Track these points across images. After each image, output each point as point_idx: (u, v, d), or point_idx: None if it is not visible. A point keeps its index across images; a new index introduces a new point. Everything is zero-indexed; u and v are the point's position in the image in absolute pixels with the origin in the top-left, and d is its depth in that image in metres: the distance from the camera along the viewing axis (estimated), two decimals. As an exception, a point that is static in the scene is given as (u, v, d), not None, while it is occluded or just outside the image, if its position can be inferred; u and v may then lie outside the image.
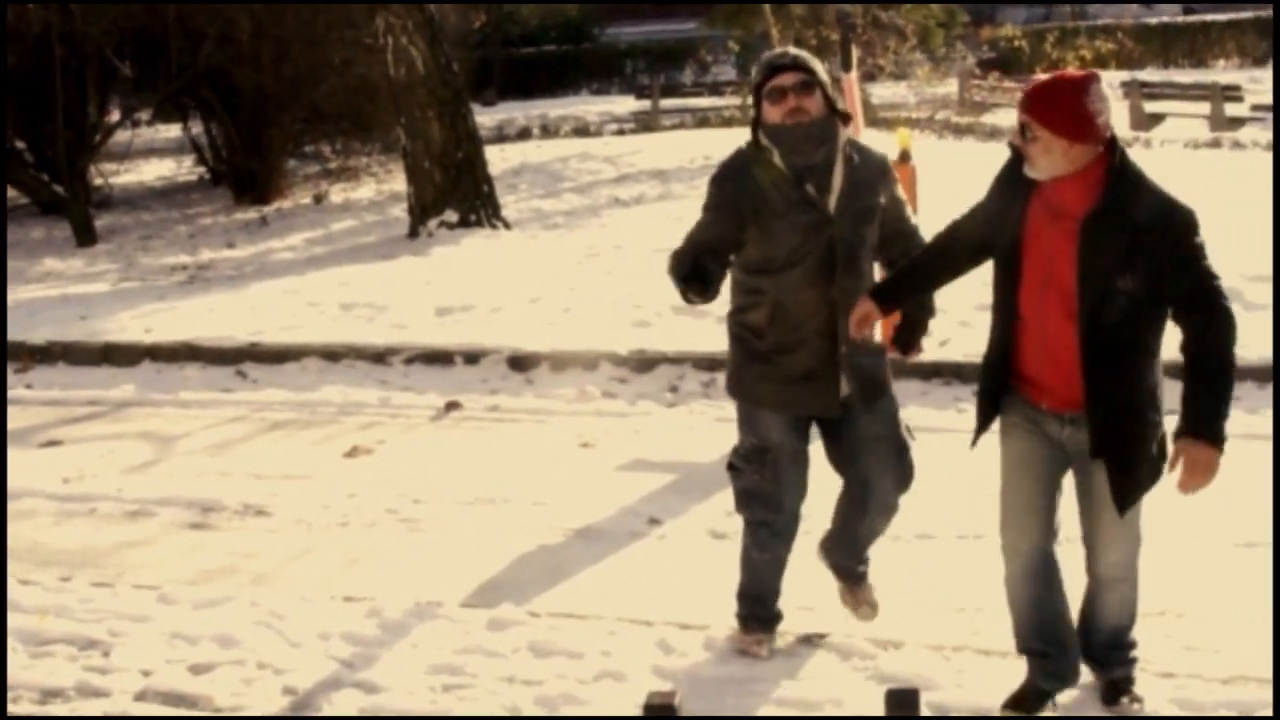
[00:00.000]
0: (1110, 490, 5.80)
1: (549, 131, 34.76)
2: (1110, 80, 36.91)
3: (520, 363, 12.83)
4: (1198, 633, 6.91)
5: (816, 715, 6.35)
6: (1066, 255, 5.57)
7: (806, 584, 7.36)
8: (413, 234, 20.10)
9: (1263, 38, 47.97)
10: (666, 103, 37.26)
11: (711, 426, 10.78)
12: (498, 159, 25.89)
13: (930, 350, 10.10)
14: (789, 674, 6.70)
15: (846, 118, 6.52)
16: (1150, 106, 30.66)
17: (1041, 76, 5.74)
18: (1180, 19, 52.83)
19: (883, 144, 12.34)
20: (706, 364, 12.09)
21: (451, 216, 20.04)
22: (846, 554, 7.07)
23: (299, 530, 9.16)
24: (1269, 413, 10.21)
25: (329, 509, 9.48)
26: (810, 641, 7.02)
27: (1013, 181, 5.76)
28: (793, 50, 6.60)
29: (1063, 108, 5.48)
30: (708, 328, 12.92)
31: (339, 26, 25.20)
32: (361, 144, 28.71)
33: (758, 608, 7.01)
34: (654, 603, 7.65)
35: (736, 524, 8.77)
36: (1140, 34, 48.16)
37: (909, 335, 6.77)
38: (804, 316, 6.49)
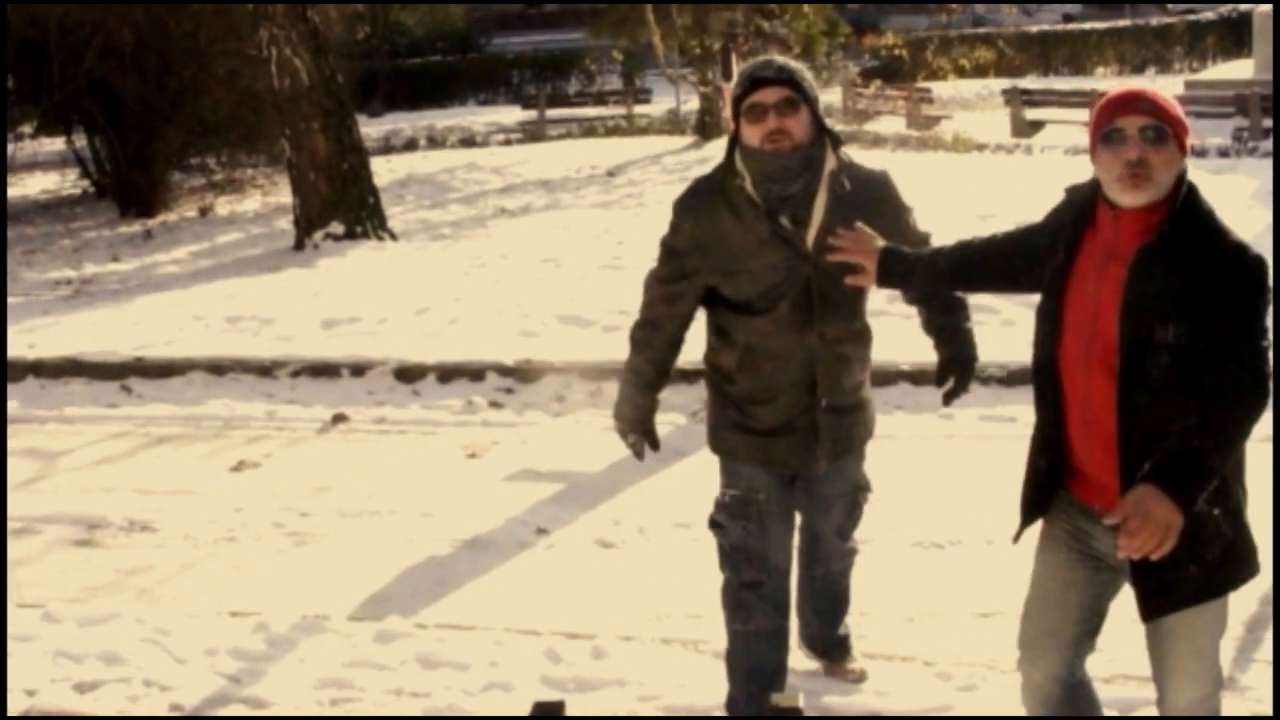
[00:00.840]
0: (1139, 602, 4.72)
1: (436, 142, 34.74)
2: (991, 88, 37.40)
3: (407, 374, 12.81)
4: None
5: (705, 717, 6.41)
6: (1112, 306, 4.52)
7: (694, 589, 7.41)
8: (299, 246, 20.00)
9: (1140, 46, 48.60)
10: (553, 113, 37.26)
11: (598, 436, 10.81)
12: (384, 170, 25.84)
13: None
14: (678, 681, 6.75)
15: (837, 140, 5.73)
16: (1030, 114, 30.97)
17: (1121, 88, 4.67)
18: (1060, 27, 53.38)
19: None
20: (593, 373, 12.12)
21: (337, 228, 19.97)
22: (822, 618, 6.64)
23: (185, 546, 9.12)
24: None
25: (215, 524, 9.43)
26: (696, 647, 7.07)
27: (1067, 220, 4.75)
28: (778, 59, 5.72)
29: (1176, 112, 4.52)
30: (594, 337, 12.96)
31: (223, 38, 25.06)
32: (247, 156, 28.52)
33: (762, 693, 6.05)
34: (542, 612, 7.67)
35: (624, 533, 8.87)
36: (1020, 42, 48.63)
37: (958, 380, 6.16)
38: (778, 365, 5.78)
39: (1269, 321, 4.40)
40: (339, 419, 11.90)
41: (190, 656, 7.23)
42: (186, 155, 27.94)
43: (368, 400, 12.42)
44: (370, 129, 33.81)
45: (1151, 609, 4.70)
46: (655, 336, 6.02)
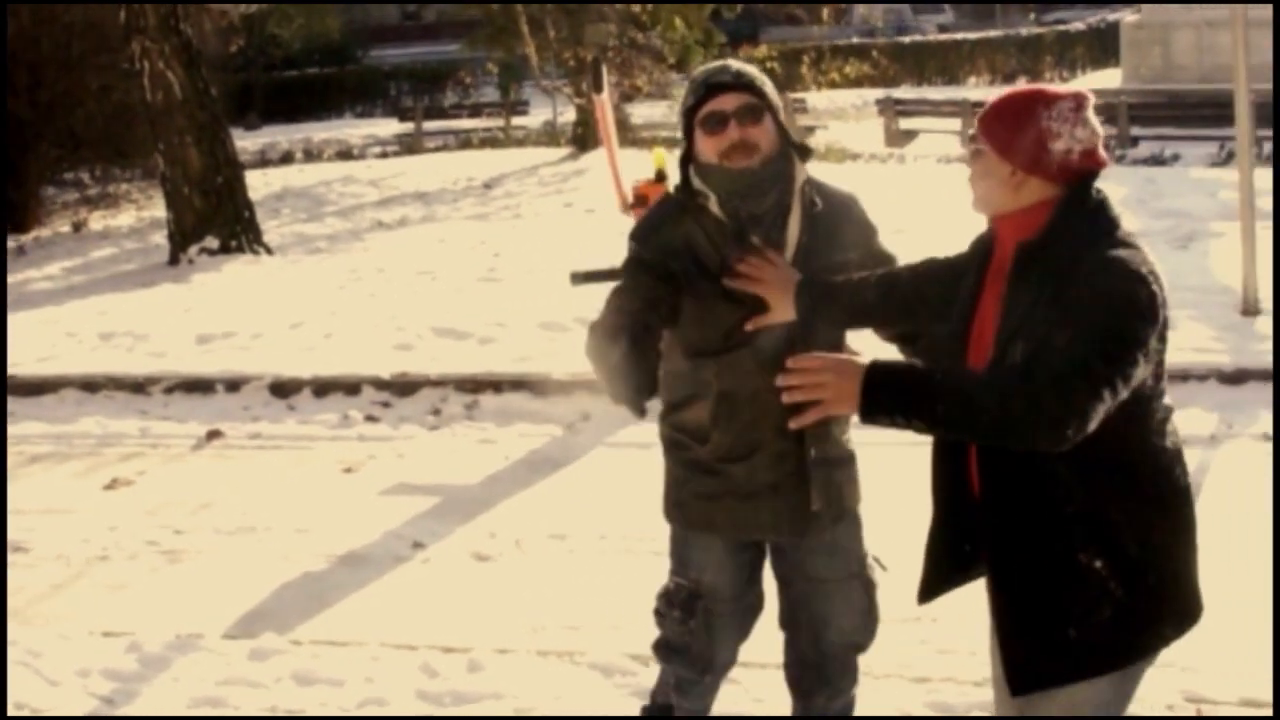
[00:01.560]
0: (1005, 672, 4.17)
1: (312, 155, 34.55)
2: (865, 98, 37.66)
3: (282, 389, 12.76)
4: (951, 637, 7.06)
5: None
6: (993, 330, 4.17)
7: (570, 601, 7.44)
8: (173, 261, 19.88)
9: (1011, 56, 49.14)
10: (429, 125, 37.17)
11: (474, 449, 10.84)
12: (260, 183, 25.70)
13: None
14: (554, 694, 6.77)
15: (806, 152, 5.06)
16: (904, 123, 31.23)
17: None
18: (933, 38, 53.86)
19: (640, 164, 12.47)
20: (469, 386, 12.14)
21: (212, 243, 19.87)
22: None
23: (58, 565, 9.04)
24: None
25: (89, 542, 9.36)
26: (573, 659, 7.10)
27: (981, 242, 4.42)
28: (735, 64, 5.03)
29: (1011, 123, 4.15)
30: (469, 349, 12.97)
31: (95, 52, 24.87)
32: (121, 170, 28.31)
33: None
34: (417, 627, 7.67)
35: (500, 546, 8.89)
36: (894, 53, 49.01)
37: None
38: (758, 413, 4.96)
39: (1125, 359, 3.85)
40: (214, 435, 11.83)
41: (62, 678, 7.16)
42: (59, 170, 27.73)
43: (243, 416, 12.35)
44: (246, 142, 33.61)
45: (1018, 681, 4.15)
46: (627, 306, 4.82)
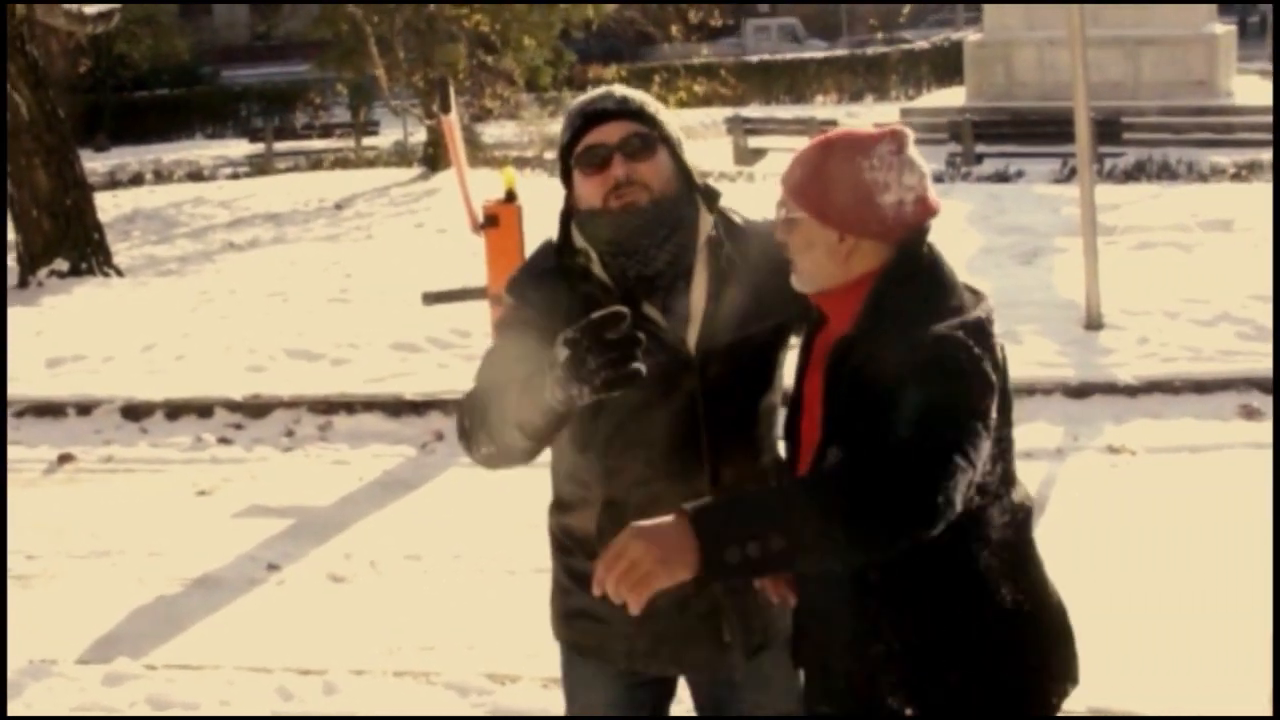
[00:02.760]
0: None
1: (162, 176, 34.20)
2: (713, 117, 37.84)
3: (134, 412, 12.68)
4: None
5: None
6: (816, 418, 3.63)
7: (425, 622, 7.48)
8: (22, 284, 19.66)
9: (857, 75, 49.63)
10: (280, 145, 36.94)
11: (328, 470, 10.84)
12: (110, 205, 25.49)
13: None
14: (410, 713, 6.80)
15: (713, 196, 4.04)
16: (753, 142, 31.44)
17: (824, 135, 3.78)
18: (779, 57, 54.21)
19: (491, 184, 12.52)
20: (322, 407, 12.14)
21: (62, 265, 19.67)
22: None
23: (-93, 593, 8.97)
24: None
25: (-62, 569, 9.29)
26: (429, 679, 7.13)
27: (809, 317, 3.82)
28: (619, 89, 4.07)
29: (827, 180, 3.55)
30: (322, 370, 12.96)
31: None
32: (-34, 193, 27.93)
33: None
34: (273, 649, 7.68)
35: (355, 567, 8.91)
36: (741, 72, 49.21)
37: None
38: None
39: (958, 418, 3.34)
40: (65, 459, 11.74)
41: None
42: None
43: (94, 439, 12.26)
44: (95, 163, 33.30)
45: None
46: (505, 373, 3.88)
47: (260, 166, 34.55)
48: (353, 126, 38.77)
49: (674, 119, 4.09)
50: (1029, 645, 3.67)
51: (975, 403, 3.35)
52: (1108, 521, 8.78)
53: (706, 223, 4.01)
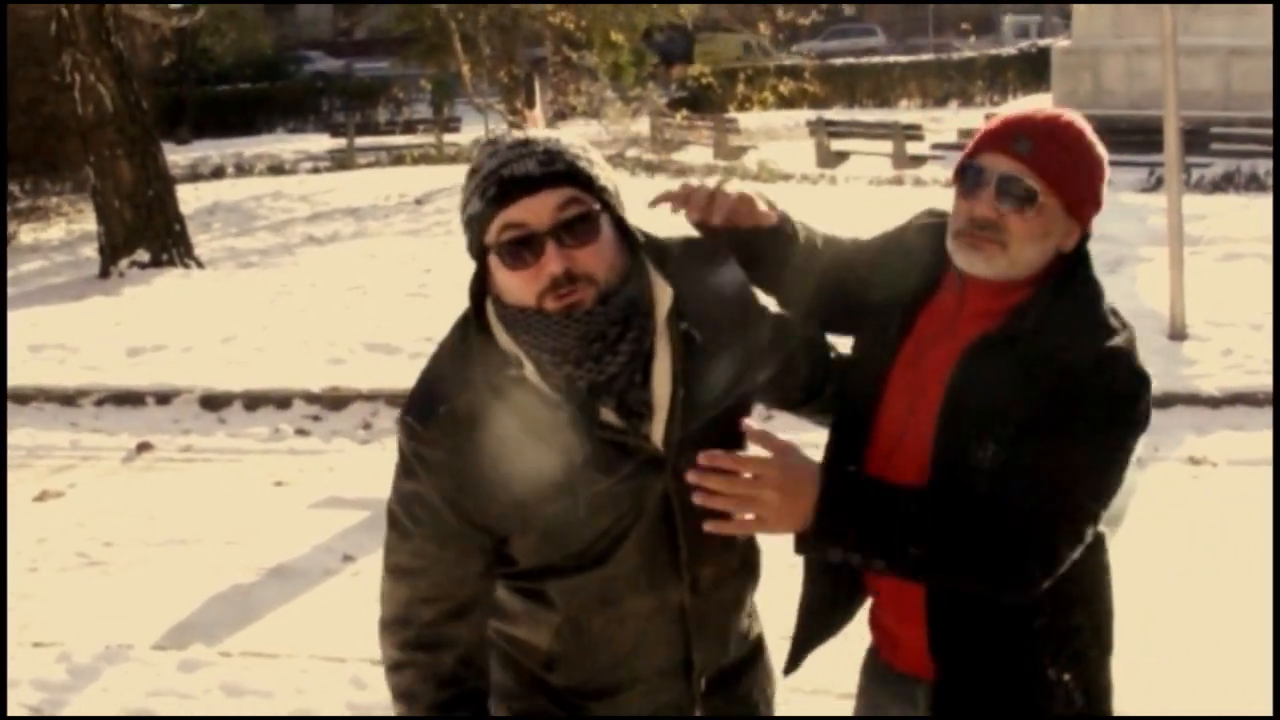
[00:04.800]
0: None
1: (243, 170, 34.37)
2: (797, 119, 37.78)
3: (212, 402, 12.74)
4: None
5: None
6: (930, 403, 3.27)
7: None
8: (104, 274, 19.82)
9: (942, 80, 49.41)
10: (362, 141, 37.04)
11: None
12: (191, 197, 25.62)
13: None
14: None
15: (663, 252, 3.22)
16: (836, 145, 31.36)
17: (1027, 109, 3.41)
18: (865, 60, 54.08)
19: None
20: (400, 400, 12.12)
21: (143, 256, 19.82)
22: None
23: (-14, 576, 9.02)
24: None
25: (18, 555, 9.31)
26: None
27: (913, 274, 3.41)
28: (541, 135, 3.07)
29: (1091, 165, 3.26)
30: (400, 364, 12.96)
31: (25, 64, 24.72)
32: (51, 183, 28.18)
33: None
34: (347, 639, 7.65)
35: (430, 560, 8.86)
36: (825, 75, 49.17)
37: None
38: (629, 644, 3.30)
39: (1116, 485, 3.15)
40: (144, 448, 11.80)
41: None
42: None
43: (173, 429, 12.33)
44: (177, 156, 33.46)
45: None
46: (439, 666, 3.27)
47: (341, 161, 34.68)
48: (435, 123, 38.85)
49: (607, 165, 3.16)
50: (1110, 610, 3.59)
51: (1134, 447, 3.18)
52: (1188, 533, 8.68)
53: (665, 294, 3.13)
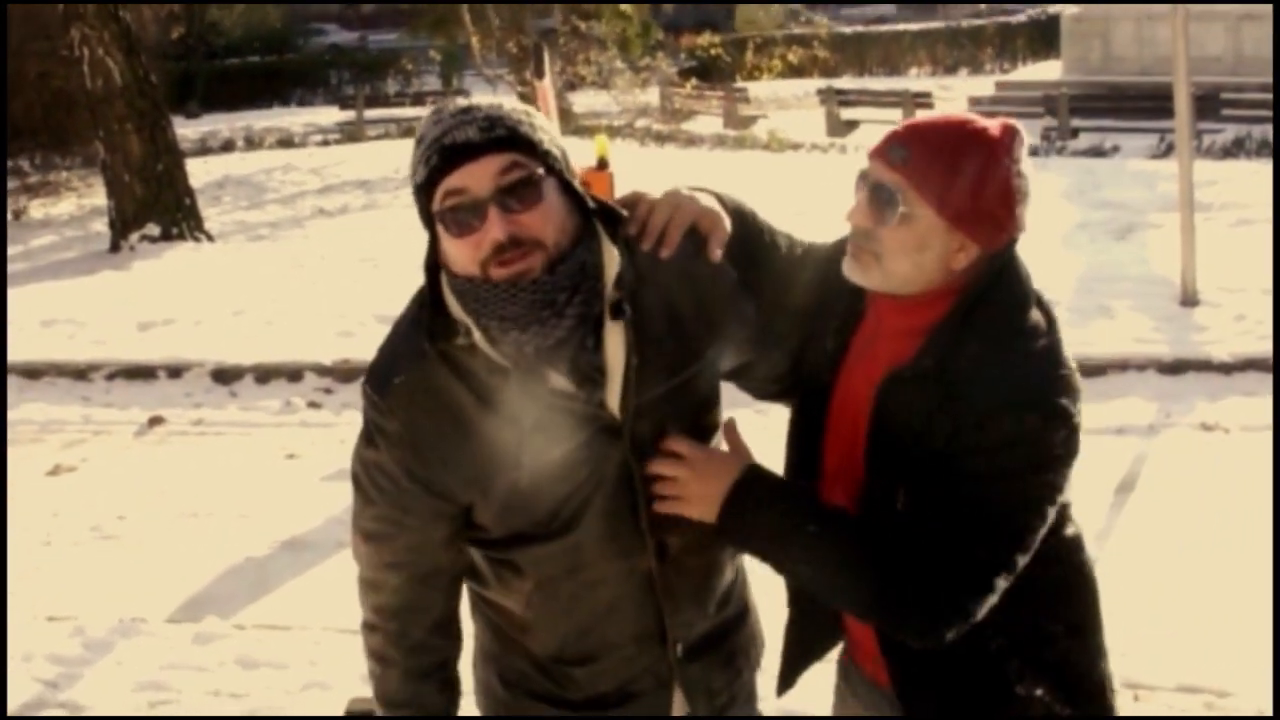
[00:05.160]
0: None
1: (253, 143, 34.32)
2: (807, 88, 37.71)
3: (224, 375, 12.76)
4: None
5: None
6: (860, 438, 3.18)
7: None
8: (114, 248, 19.82)
9: (952, 47, 49.27)
10: (371, 113, 36.95)
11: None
12: (201, 171, 25.60)
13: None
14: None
15: (615, 218, 3.15)
16: (845, 113, 31.30)
17: (930, 114, 3.35)
18: (874, 28, 53.94)
19: (582, 151, 12.48)
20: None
21: (153, 230, 19.82)
22: None
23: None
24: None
25: (32, 528, 9.35)
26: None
27: (843, 296, 3.29)
28: (483, 103, 3.03)
29: (976, 178, 3.00)
30: (413, 337, 12.97)
31: (34, 38, 24.70)
32: (61, 158, 28.16)
33: None
34: (360, 611, 7.67)
35: (442, 531, 8.88)
36: (835, 43, 49.04)
37: None
38: (596, 612, 3.30)
39: (1036, 530, 3.02)
40: (156, 421, 11.82)
41: (6, 662, 7.17)
42: (-2, 158, 27.58)
43: (185, 402, 12.35)
44: (187, 130, 33.48)
45: None
46: (408, 631, 3.37)
47: (351, 134, 34.62)
48: (444, 94, 38.74)
49: (553, 129, 3.12)
50: (1095, 600, 3.43)
51: (1061, 483, 3.03)
52: (1199, 499, 8.68)
53: (613, 259, 3.10)
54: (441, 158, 2.95)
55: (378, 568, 3.31)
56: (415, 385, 3.09)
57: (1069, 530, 3.26)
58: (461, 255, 2.98)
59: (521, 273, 2.95)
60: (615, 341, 3.08)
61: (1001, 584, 2.99)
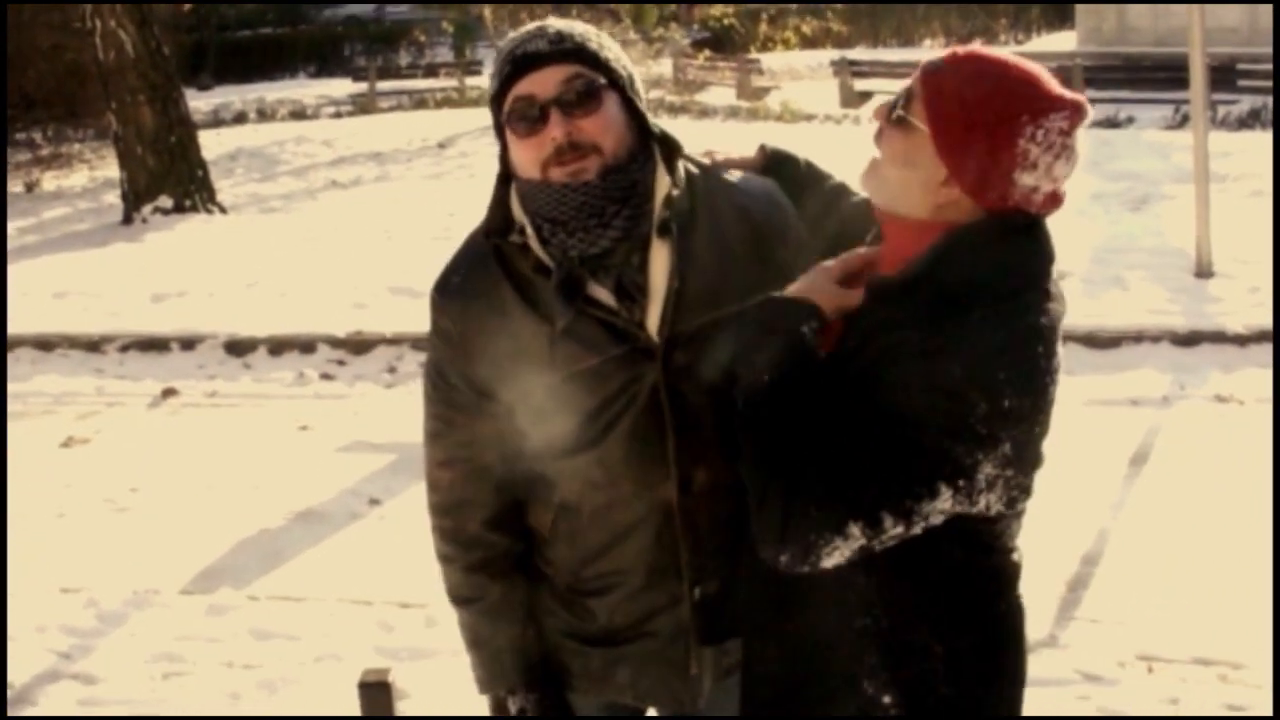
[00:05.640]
0: None
1: (265, 115, 34.31)
2: (820, 59, 37.61)
3: (237, 347, 12.76)
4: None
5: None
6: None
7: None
8: (127, 221, 19.80)
9: (965, 19, 49.15)
10: (383, 85, 36.96)
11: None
12: (213, 143, 25.56)
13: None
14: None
15: (673, 147, 3.30)
16: (859, 85, 31.23)
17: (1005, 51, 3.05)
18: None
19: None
20: (425, 344, 12.13)
21: (166, 202, 19.81)
22: None
23: (15, 522, 9.02)
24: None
25: (45, 500, 9.37)
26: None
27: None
28: (555, 23, 3.25)
29: (977, 126, 2.87)
30: (424, 308, 12.87)
31: (46, 10, 24.72)
32: (74, 130, 28.17)
33: None
34: (374, 583, 7.69)
35: (456, 503, 8.88)
36: (849, 14, 48.97)
37: None
38: (615, 533, 3.38)
39: (917, 486, 2.83)
40: (169, 393, 11.82)
41: (19, 633, 7.17)
42: (11, 130, 27.55)
43: (198, 374, 12.35)
44: (199, 102, 33.49)
45: None
46: (463, 527, 3.51)
47: (363, 106, 34.64)
48: (456, 66, 38.73)
49: (624, 54, 3.31)
50: (1012, 649, 3.16)
51: (952, 473, 2.83)
52: (1214, 471, 8.66)
53: (664, 182, 3.25)
54: (513, 66, 3.18)
55: (434, 466, 3.51)
56: (469, 282, 3.33)
57: (992, 560, 3.08)
58: (525, 157, 3.19)
59: (576, 174, 3.14)
60: (660, 261, 3.23)
61: (856, 532, 2.82)
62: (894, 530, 2.85)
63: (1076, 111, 2.89)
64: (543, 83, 3.13)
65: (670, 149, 3.28)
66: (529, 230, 3.23)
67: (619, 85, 3.21)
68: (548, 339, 3.22)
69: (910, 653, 3.02)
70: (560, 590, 3.50)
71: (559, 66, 3.14)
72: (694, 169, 3.37)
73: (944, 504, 2.85)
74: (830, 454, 2.84)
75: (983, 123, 2.86)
